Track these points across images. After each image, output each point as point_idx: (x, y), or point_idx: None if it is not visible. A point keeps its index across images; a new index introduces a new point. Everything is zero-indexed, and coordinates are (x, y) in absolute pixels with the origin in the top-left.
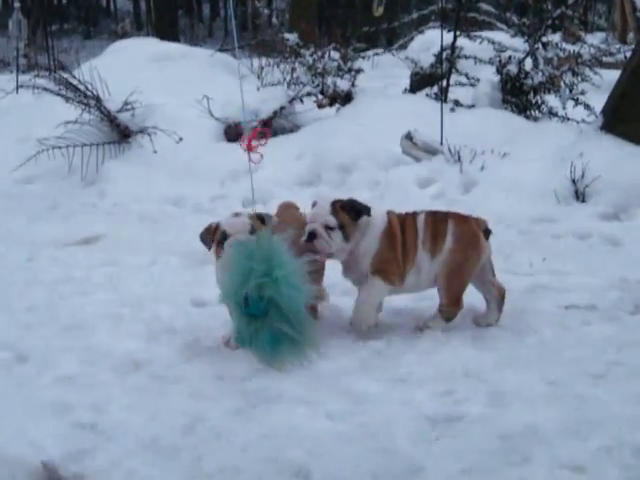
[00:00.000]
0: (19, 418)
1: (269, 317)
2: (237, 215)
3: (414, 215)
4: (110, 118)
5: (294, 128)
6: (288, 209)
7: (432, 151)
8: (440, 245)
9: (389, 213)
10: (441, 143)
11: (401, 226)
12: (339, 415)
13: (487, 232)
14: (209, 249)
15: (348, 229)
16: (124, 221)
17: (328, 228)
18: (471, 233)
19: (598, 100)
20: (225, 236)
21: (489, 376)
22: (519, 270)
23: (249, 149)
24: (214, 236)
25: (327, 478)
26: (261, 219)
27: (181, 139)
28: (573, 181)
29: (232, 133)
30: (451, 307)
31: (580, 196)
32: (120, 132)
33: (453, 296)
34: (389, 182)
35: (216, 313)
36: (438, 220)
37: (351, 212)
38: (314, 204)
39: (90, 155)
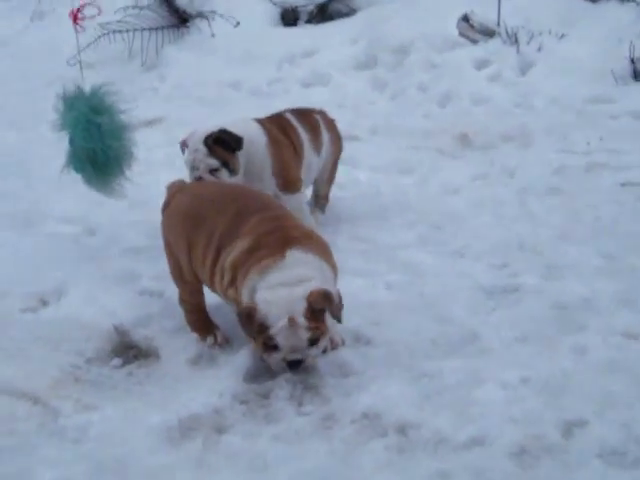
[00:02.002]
0: (91, 287)
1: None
2: (292, 324)
3: (283, 116)
4: (168, 2)
5: (350, 12)
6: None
7: (489, 33)
8: (320, 139)
9: (261, 122)
10: (498, 24)
11: (282, 130)
12: (398, 286)
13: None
14: (250, 337)
15: (231, 163)
16: (184, 104)
17: (213, 170)
18: (333, 124)
19: None
20: (276, 348)
21: (544, 249)
22: (576, 149)
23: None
24: (259, 334)
25: (387, 344)
26: (321, 311)
27: (238, 23)
28: (632, 60)
29: (289, 17)
30: (327, 200)
31: (638, 76)
32: (178, 16)
33: (330, 188)
34: (445, 64)
35: None
36: (307, 116)
37: (227, 147)
38: (184, 143)
39: (149, 40)
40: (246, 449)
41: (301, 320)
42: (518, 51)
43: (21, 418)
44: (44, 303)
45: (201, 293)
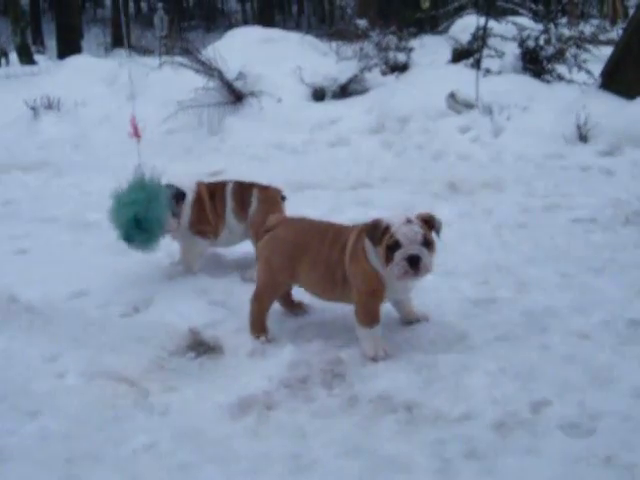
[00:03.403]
0: (172, 298)
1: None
2: (409, 222)
3: (224, 185)
4: (228, 85)
5: (364, 90)
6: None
7: (470, 106)
8: (246, 209)
9: (198, 184)
10: (476, 100)
11: (211, 194)
12: None
13: (283, 198)
14: (375, 245)
15: (177, 210)
16: (239, 160)
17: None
18: (272, 198)
19: (596, 67)
20: (397, 245)
21: (515, 270)
22: (537, 193)
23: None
24: (383, 236)
25: (396, 343)
26: (430, 223)
27: (280, 99)
28: (578, 127)
29: (318, 94)
30: None
31: (583, 138)
32: (235, 95)
33: None
34: (437, 129)
35: None
36: (244, 189)
37: (177, 199)
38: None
39: (214, 113)
40: (289, 422)
41: (416, 220)
42: (492, 120)
43: (120, 396)
44: (136, 310)
45: (271, 303)
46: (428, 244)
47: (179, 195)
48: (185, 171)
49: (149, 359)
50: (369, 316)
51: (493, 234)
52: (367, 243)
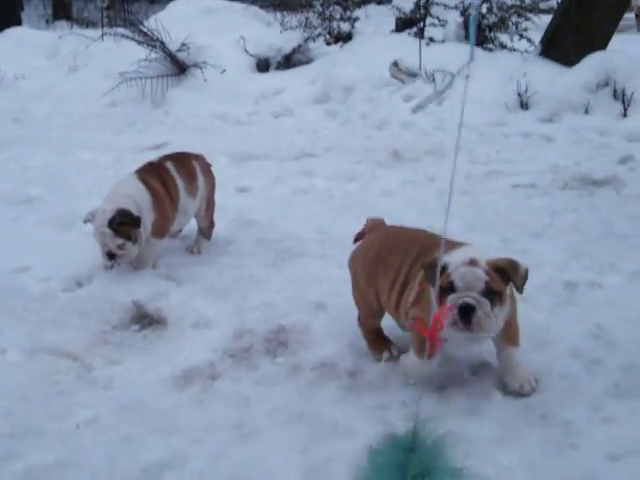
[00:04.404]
0: (114, 272)
1: None
2: (472, 263)
3: (163, 166)
4: (171, 56)
5: (308, 61)
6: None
7: (413, 75)
8: (195, 185)
9: (145, 180)
10: (420, 69)
11: (162, 183)
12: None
13: (209, 165)
14: (432, 284)
15: (133, 237)
16: (183, 132)
17: (120, 245)
18: (208, 168)
19: (537, 35)
20: (451, 288)
21: (458, 236)
22: (479, 161)
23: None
24: (441, 277)
25: (339, 310)
26: (507, 272)
27: (224, 70)
28: (519, 94)
29: (262, 65)
30: (211, 228)
31: (524, 105)
32: (179, 67)
33: (211, 219)
34: (381, 98)
35: (255, 196)
36: (185, 164)
37: (130, 225)
38: (90, 220)
39: (157, 85)
40: (234, 391)
41: (482, 263)
42: (435, 88)
43: (63, 371)
44: (79, 285)
45: (379, 317)
46: (493, 295)
47: (136, 221)
48: (128, 144)
49: (92, 333)
50: (421, 348)
51: (436, 201)
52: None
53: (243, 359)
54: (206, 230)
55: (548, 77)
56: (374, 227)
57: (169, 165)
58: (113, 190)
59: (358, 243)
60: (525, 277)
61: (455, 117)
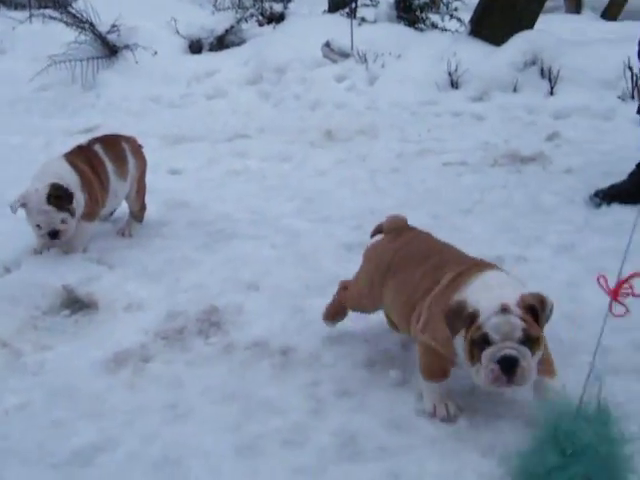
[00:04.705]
0: (43, 256)
1: None
2: (505, 311)
3: (92, 149)
4: (101, 38)
5: (241, 42)
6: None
7: (345, 55)
8: (126, 167)
9: (72, 162)
10: (351, 48)
11: (90, 166)
12: (280, 245)
13: (140, 147)
14: (453, 334)
15: (72, 210)
16: (115, 115)
17: (63, 221)
18: (139, 150)
19: (467, 15)
20: (486, 341)
21: (389, 214)
22: (411, 139)
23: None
24: (469, 327)
25: (272, 289)
26: (536, 309)
27: (156, 52)
28: (449, 74)
29: (195, 47)
30: (143, 211)
31: (454, 85)
32: (109, 49)
33: (143, 202)
34: (314, 79)
35: (188, 178)
36: (114, 146)
37: (64, 199)
38: (22, 205)
39: (87, 67)
40: (166, 373)
41: (515, 308)
42: (367, 68)
43: None
44: (7, 270)
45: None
46: (532, 342)
47: (70, 196)
48: (59, 128)
49: (22, 319)
50: (431, 371)
51: (368, 180)
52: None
53: (176, 341)
54: (137, 213)
55: (478, 56)
56: (394, 228)
57: (98, 148)
58: (41, 170)
59: (376, 238)
60: (550, 315)
61: (387, 97)
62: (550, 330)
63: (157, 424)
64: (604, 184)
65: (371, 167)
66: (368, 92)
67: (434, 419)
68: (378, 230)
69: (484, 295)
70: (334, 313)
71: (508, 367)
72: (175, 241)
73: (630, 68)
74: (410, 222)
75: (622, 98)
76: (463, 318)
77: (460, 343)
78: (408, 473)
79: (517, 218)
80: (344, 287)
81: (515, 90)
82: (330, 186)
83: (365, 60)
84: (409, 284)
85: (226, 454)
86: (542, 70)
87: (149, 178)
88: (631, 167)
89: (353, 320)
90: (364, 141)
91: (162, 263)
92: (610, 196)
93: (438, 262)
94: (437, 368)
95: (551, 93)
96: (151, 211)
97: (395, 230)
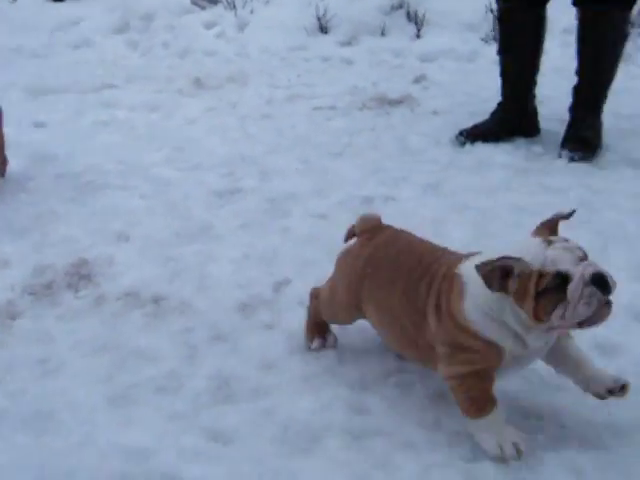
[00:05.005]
0: None
1: None
2: (552, 242)
3: None
4: None
5: None
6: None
7: (214, 1)
8: None
9: None
10: None
11: None
12: (150, 195)
13: None
14: (494, 289)
15: None
16: None
17: None
18: None
19: None
20: (562, 277)
21: (259, 160)
22: (281, 85)
23: None
24: (525, 283)
25: (143, 239)
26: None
27: (15, 0)
28: (318, 18)
29: None
30: (4, 166)
31: (323, 29)
32: None
33: (3, 156)
34: (182, 26)
35: (54, 130)
36: None
37: None
38: None
39: None
40: (35, 329)
41: (559, 239)
42: (236, 15)
43: None
44: None
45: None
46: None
47: None
48: None
49: None
50: (476, 404)
51: (238, 127)
52: (470, 293)
53: (44, 296)
54: None
55: (345, 0)
56: (366, 229)
57: None
58: None
59: (349, 243)
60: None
61: (257, 43)
62: None
63: (27, 380)
64: (469, 124)
65: (241, 114)
66: (238, 39)
67: (492, 458)
68: (351, 233)
69: (522, 245)
70: (313, 329)
71: (604, 284)
72: (41, 195)
73: (492, 10)
74: (282, 167)
75: (485, 40)
76: (506, 269)
77: (496, 329)
78: (281, 410)
79: (385, 159)
80: (315, 296)
81: (383, 34)
82: (200, 134)
83: (234, 6)
84: (393, 300)
85: (99, 405)
86: (409, 14)
87: (12, 131)
88: (493, 106)
89: (223, 265)
90: (234, 88)
91: (28, 218)
92: (473, 135)
93: (425, 266)
94: (482, 396)
95: (418, 36)
96: (15, 165)
97: (368, 232)
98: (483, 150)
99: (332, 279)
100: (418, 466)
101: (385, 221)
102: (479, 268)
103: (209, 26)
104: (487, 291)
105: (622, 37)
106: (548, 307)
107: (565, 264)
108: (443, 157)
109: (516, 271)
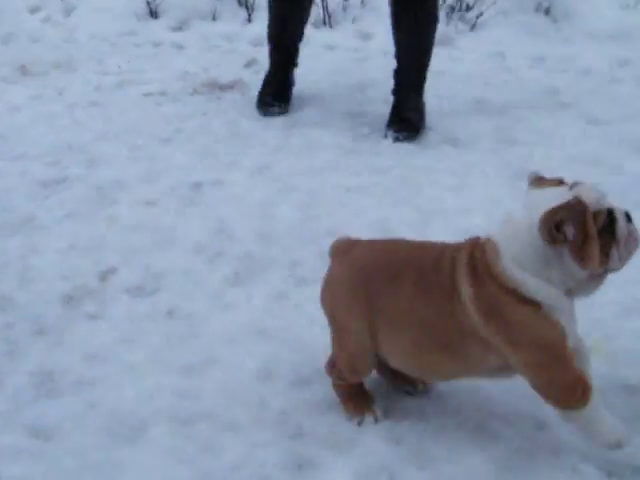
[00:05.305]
0: None
1: None
2: (574, 185)
3: None
4: None
5: None
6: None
7: None
8: None
9: None
10: None
11: None
12: None
13: None
14: (553, 243)
15: None
16: None
17: None
18: None
19: None
20: (611, 215)
21: (87, 148)
22: (111, 71)
23: None
24: (580, 225)
25: None
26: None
27: None
28: (148, 3)
29: None
30: None
31: (154, 14)
32: None
33: None
34: (5, 10)
35: None
36: None
37: None
38: None
39: None
40: None
41: (571, 183)
42: None
43: None
44: None
45: (371, 362)
46: None
47: None
48: None
49: None
50: (570, 392)
51: (65, 114)
52: (508, 254)
53: None
54: None
55: None
56: (340, 249)
57: None
58: None
59: (326, 274)
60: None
61: (85, 28)
62: (243, 247)
63: None
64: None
65: (69, 101)
66: (64, 23)
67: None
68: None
69: (558, 191)
70: (349, 399)
71: (630, 219)
72: None
73: None
74: (110, 154)
75: (316, 25)
76: (572, 212)
77: (544, 288)
78: (106, 401)
79: (216, 144)
80: (331, 365)
81: (214, 19)
82: (24, 122)
83: None
84: (400, 299)
85: None
86: None
87: None
88: (317, 87)
89: (47, 257)
90: (61, 75)
91: None
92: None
93: (435, 259)
94: (574, 381)
95: (249, 21)
96: None
97: (341, 251)
98: (312, 132)
99: (332, 332)
100: (244, 446)
101: (214, 205)
102: (546, 220)
103: (34, 10)
104: (528, 249)
105: (434, 20)
106: (606, 248)
107: (606, 202)
108: (272, 140)
109: (572, 216)
